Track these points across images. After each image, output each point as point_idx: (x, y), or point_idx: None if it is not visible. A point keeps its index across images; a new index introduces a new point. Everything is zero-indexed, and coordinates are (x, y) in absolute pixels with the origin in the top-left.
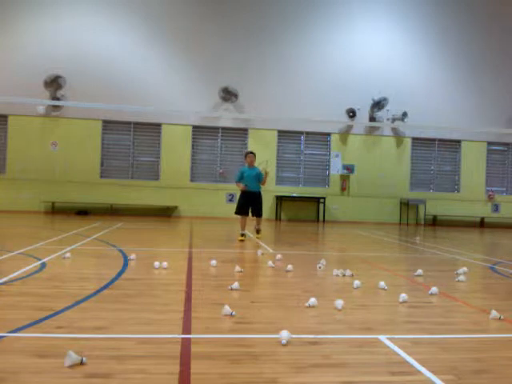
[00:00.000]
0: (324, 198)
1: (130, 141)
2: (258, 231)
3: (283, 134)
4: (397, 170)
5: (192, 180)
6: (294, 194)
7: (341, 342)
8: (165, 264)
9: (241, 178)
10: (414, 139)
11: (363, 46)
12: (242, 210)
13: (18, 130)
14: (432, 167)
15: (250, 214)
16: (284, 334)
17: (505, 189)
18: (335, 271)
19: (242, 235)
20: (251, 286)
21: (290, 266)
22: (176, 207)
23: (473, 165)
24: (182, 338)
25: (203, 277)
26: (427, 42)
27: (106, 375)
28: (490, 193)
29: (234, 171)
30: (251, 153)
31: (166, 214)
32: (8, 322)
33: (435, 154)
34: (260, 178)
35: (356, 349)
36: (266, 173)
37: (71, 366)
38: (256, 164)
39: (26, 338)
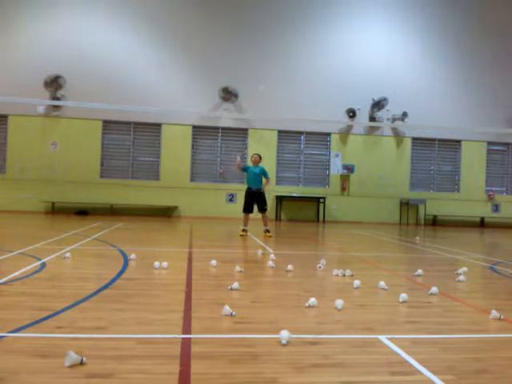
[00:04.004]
0: (324, 198)
1: (130, 141)
2: (267, 231)
3: (283, 134)
4: (397, 170)
5: (192, 180)
6: (294, 194)
7: (341, 342)
8: (165, 264)
9: (245, 169)
10: (414, 139)
11: (363, 46)
12: (247, 208)
13: (18, 130)
14: (432, 167)
15: (255, 210)
16: (284, 334)
17: (505, 189)
18: (335, 271)
19: (243, 231)
20: (251, 285)
21: (290, 266)
22: (176, 207)
23: (473, 165)
24: (182, 338)
25: (203, 277)
26: (427, 42)
27: (106, 375)
28: (490, 193)
29: (233, 171)
30: (256, 154)
31: (166, 214)
32: (8, 322)
33: (435, 154)
34: (265, 175)
35: (356, 349)
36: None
37: (71, 366)
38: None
39: (26, 337)
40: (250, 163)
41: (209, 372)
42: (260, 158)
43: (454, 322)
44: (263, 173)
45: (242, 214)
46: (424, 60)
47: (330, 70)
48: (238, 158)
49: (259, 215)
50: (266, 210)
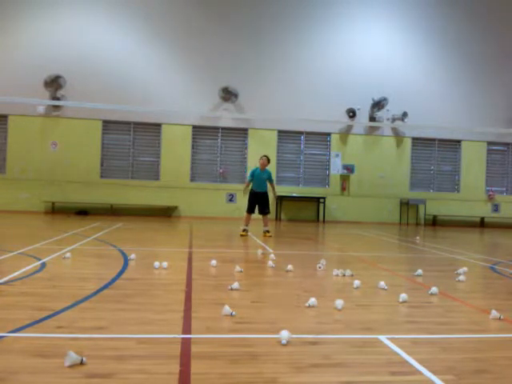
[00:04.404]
0: (324, 198)
1: (130, 141)
2: (267, 231)
3: (283, 134)
4: (397, 170)
5: (192, 180)
6: (294, 194)
7: (341, 342)
8: (165, 264)
9: (251, 179)
10: (414, 139)
11: (363, 46)
12: (250, 208)
13: (18, 130)
14: (432, 167)
15: (257, 211)
16: (284, 334)
17: (505, 189)
18: (335, 271)
19: (244, 230)
20: (251, 285)
21: (290, 266)
22: (176, 207)
23: (473, 165)
24: (182, 338)
25: (203, 277)
26: (427, 42)
27: (106, 375)
28: (490, 193)
29: (233, 171)
30: (265, 156)
31: (166, 214)
32: (8, 322)
33: (435, 154)
34: (270, 180)
35: (356, 349)
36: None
37: (71, 366)
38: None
39: (26, 337)
40: (257, 165)
41: (209, 372)
42: (268, 161)
43: (454, 322)
44: (269, 178)
45: (244, 214)
46: (424, 60)
47: (330, 70)
48: (246, 188)
49: (260, 215)
50: (267, 213)
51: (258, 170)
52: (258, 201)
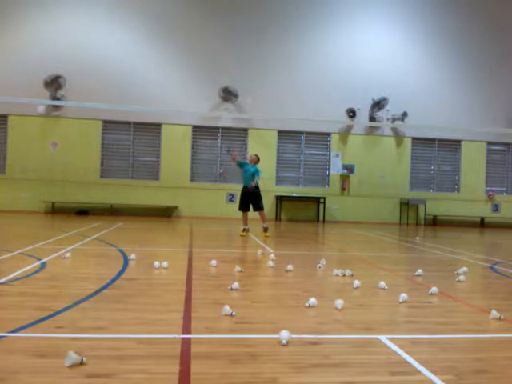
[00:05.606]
0: (324, 198)
1: (130, 141)
2: (265, 230)
3: (283, 134)
4: (397, 170)
5: (192, 180)
6: (294, 194)
7: (341, 342)
8: (165, 264)
9: (241, 164)
10: (414, 139)
11: (364, 46)
12: (242, 207)
13: (18, 130)
14: (432, 167)
15: (251, 209)
16: (284, 334)
17: (505, 189)
18: (335, 271)
19: (244, 230)
20: (251, 285)
21: (290, 266)
22: (176, 207)
23: (473, 165)
24: (182, 338)
25: (203, 277)
26: (427, 42)
27: (106, 375)
28: (490, 193)
29: (233, 171)
30: (254, 154)
31: (165, 213)
32: (8, 322)
33: (435, 154)
34: (256, 173)
35: (356, 349)
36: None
37: (71, 366)
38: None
39: (26, 337)
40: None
41: (209, 372)
42: (258, 159)
43: (454, 321)
44: (255, 171)
45: (240, 214)
46: (424, 60)
47: (331, 70)
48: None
49: (257, 215)
50: (262, 208)
51: (248, 164)
52: (248, 198)
